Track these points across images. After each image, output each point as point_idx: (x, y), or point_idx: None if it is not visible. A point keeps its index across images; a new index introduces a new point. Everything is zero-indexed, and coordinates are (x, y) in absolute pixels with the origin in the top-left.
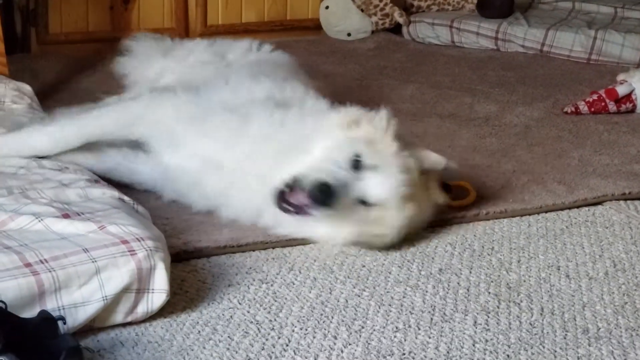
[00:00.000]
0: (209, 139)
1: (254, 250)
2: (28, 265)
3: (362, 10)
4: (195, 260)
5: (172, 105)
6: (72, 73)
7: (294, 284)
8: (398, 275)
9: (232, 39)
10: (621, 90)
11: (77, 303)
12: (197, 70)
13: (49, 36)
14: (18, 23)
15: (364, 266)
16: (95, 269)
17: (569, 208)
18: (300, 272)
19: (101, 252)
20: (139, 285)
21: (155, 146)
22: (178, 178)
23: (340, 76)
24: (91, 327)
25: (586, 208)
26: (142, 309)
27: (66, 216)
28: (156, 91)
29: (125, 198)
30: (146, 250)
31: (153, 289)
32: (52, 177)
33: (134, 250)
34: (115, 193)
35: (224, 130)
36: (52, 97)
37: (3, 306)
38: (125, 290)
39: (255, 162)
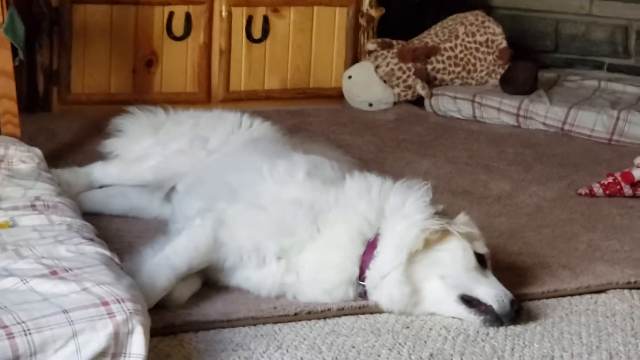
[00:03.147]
0: (287, 239)
1: (244, 326)
2: (4, 327)
3: (384, 82)
4: (182, 334)
5: (241, 223)
6: (89, 135)
7: None
8: (387, 359)
9: (228, 111)
10: (637, 174)
11: None
12: (179, 159)
13: (71, 96)
14: (41, 82)
15: (353, 347)
16: (72, 332)
17: (571, 295)
18: (287, 350)
19: (80, 314)
20: (116, 349)
21: (237, 264)
22: (261, 285)
23: (357, 147)
24: None
25: (589, 295)
26: None
27: (54, 273)
28: (203, 212)
29: (116, 259)
30: (125, 312)
31: (130, 353)
32: (47, 235)
33: (113, 313)
34: (107, 253)
35: (301, 228)
36: (65, 158)
37: None
38: (102, 354)
39: (332, 252)
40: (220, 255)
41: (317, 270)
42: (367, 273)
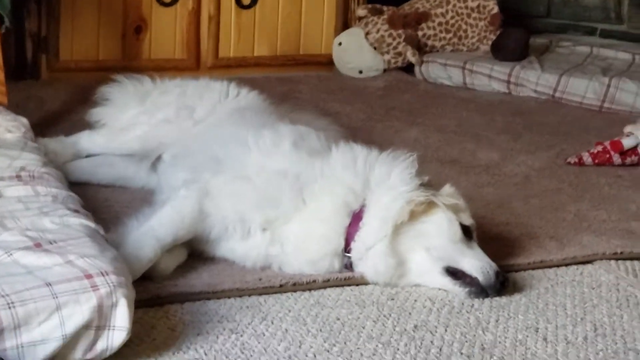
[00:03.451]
0: (272, 211)
1: (229, 297)
2: None
3: (374, 48)
4: (168, 305)
5: (227, 194)
6: (77, 103)
7: (264, 335)
8: (371, 330)
9: (215, 80)
10: (627, 142)
11: (37, 341)
12: (165, 128)
13: (60, 63)
14: (29, 49)
15: (338, 319)
16: (56, 305)
17: (557, 266)
18: (272, 322)
19: (64, 287)
20: (99, 322)
21: (222, 235)
22: (246, 256)
23: (346, 116)
24: None
25: (575, 266)
26: (101, 346)
27: (38, 245)
28: (188, 184)
29: (101, 231)
30: (109, 285)
31: (114, 326)
32: (32, 207)
33: (96, 286)
34: (92, 224)
35: (286, 199)
36: (54, 126)
37: None
38: (86, 327)
39: (317, 223)
40: (206, 227)
41: (301, 241)
42: (353, 245)
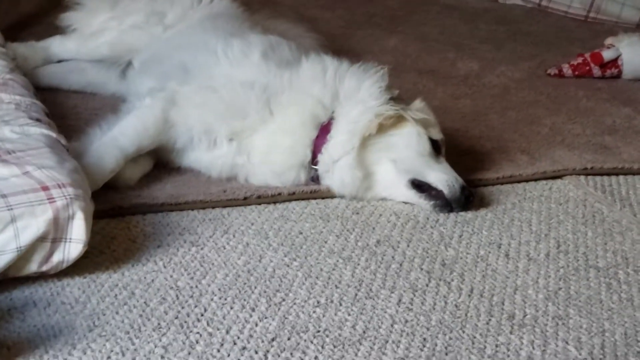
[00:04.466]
0: (239, 122)
1: (192, 210)
2: None
3: None
4: (130, 216)
5: (193, 104)
6: (53, 5)
7: (224, 248)
8: (333, 245)
9: None
10: (607, 55)
11: None
12: (135, 34)
13: None
14: None
15: (301, 233)
16: (10, 217)
17: (527, 181)
18: (234, 236)
19: (19, 199)
20: (55, 234)
21: (187, 145)
22: (212, 166)
23: (325, 22)
24: (5, 276)
25: (544, 181)
26: (57, 258)
27: None
28: (154, 92)
29: (62, 141)
30: (66, 198)
31: (70, 239)
32: None
33: (53, 198)
34: (53, 134)
35: (252, 110)
36: (27, 29)
37: None
38: (41, 239)
39: (283, 135)
40: (171, 136)
41: (267, 152)
42: (320, 157)
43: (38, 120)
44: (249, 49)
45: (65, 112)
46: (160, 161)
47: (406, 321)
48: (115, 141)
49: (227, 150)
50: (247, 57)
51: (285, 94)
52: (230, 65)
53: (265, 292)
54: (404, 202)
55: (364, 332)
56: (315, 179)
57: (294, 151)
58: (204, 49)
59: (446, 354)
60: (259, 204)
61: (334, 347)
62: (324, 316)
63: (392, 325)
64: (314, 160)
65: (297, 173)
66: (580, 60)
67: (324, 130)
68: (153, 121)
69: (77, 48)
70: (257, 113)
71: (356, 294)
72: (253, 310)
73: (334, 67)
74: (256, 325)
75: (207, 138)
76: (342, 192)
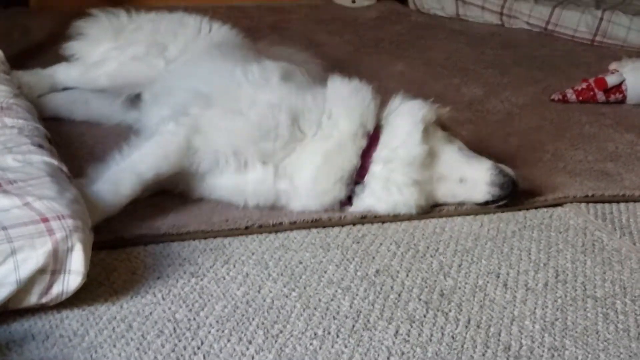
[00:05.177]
0: (270, 144)
1: (193, 240)
2: None
3: None
4: (131, 247)
5: (218, 129)
6: (63, 34)
7: (224, 279)
8: (333, 275)
9: (189, 15)
10: (611, 80)
11: None
12: (134, 66)
13: None
14: None
15: (300, 263)
16: (11, 249)
17: (527, 209)
18: (234, 266)
19: (19, 231)
20: (55, 266)
21: (214, 168)
22: (246, 192)
23: (333, 47)
24: (5, 309)
25: (545, 209)
26: (57, 290)
27: None
28: (177, 116)
29: (64, 168)
30: (65, 230)
31: (69, 270)
32: None
33: (52, 230)
34: (55, 162)
35: (284, 131)
36: (37, 57)
37: None
38: (41, 271)
39: (333, 149)
40: (194, 161)
41: (313, 171)
42: (372, 167)
43: (40, 146)
44: (268, 73)
45: (71, 140)
46: (175, 191)
47: (402, 353)
48: (133, 167)
49: (263, 174)
50: (268, 80)
51: (319, 112)
52: (253, 88)
53: (262, 323)
54: (404, 231)
55: None
56: (349, 199)
57: (342, 165)
58: (219, 75)
59: None
60: (261, 233)
61: None
62: (320, 349)
63: (388, 358)
64: (361, 172)
65: (340, 190)
66: (584, 85)
67: (374, 138)
68: (174, 148)
69: (80, 77)
70: (289, 134)
71: (354, 325)
72: (250, 342)
73: (366, 88)
74: (252, 358)
75: (236, 160)
76: (393, 199)
